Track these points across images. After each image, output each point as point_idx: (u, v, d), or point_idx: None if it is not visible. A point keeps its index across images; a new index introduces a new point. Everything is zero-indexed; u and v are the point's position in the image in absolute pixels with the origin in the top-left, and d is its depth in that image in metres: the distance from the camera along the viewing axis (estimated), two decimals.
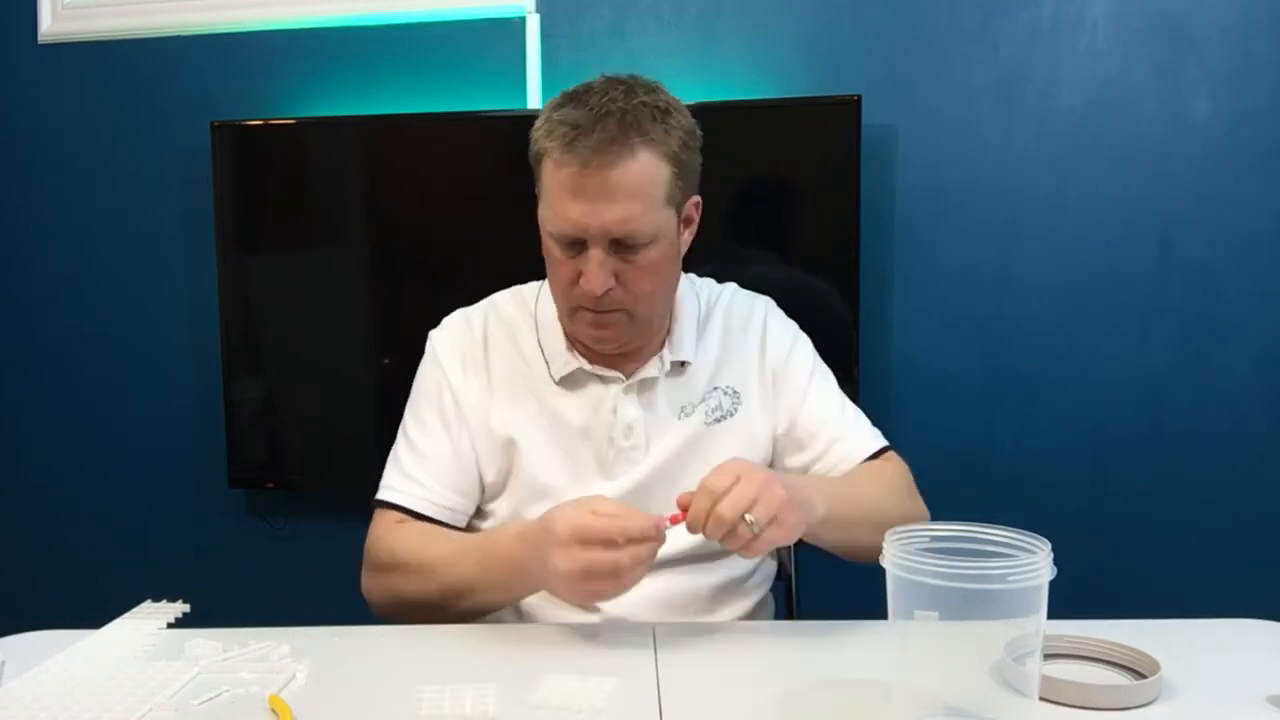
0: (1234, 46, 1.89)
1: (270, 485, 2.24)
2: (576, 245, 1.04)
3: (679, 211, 1.08)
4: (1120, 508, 1.99)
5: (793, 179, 2.00)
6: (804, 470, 1.17)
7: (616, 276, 1.04)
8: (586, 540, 0.91)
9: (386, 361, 2.12)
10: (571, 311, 1.09)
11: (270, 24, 2.18)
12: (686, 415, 1.15)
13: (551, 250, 1.07)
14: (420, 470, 1.14)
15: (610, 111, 1.00)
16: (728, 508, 0.91)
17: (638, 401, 1.14)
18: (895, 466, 1.17)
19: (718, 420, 1.15)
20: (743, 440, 1.16)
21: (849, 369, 1.93)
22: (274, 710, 0.82)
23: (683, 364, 1.16)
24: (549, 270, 1.10)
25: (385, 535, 1.12)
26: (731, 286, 1.25)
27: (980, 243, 2.00)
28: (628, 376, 1.14)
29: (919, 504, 1.15)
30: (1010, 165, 1.98)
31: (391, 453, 1.18)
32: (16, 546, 2.38)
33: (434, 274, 2.10)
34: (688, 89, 2.10)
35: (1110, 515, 1.99)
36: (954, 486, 2.03)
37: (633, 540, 0.91)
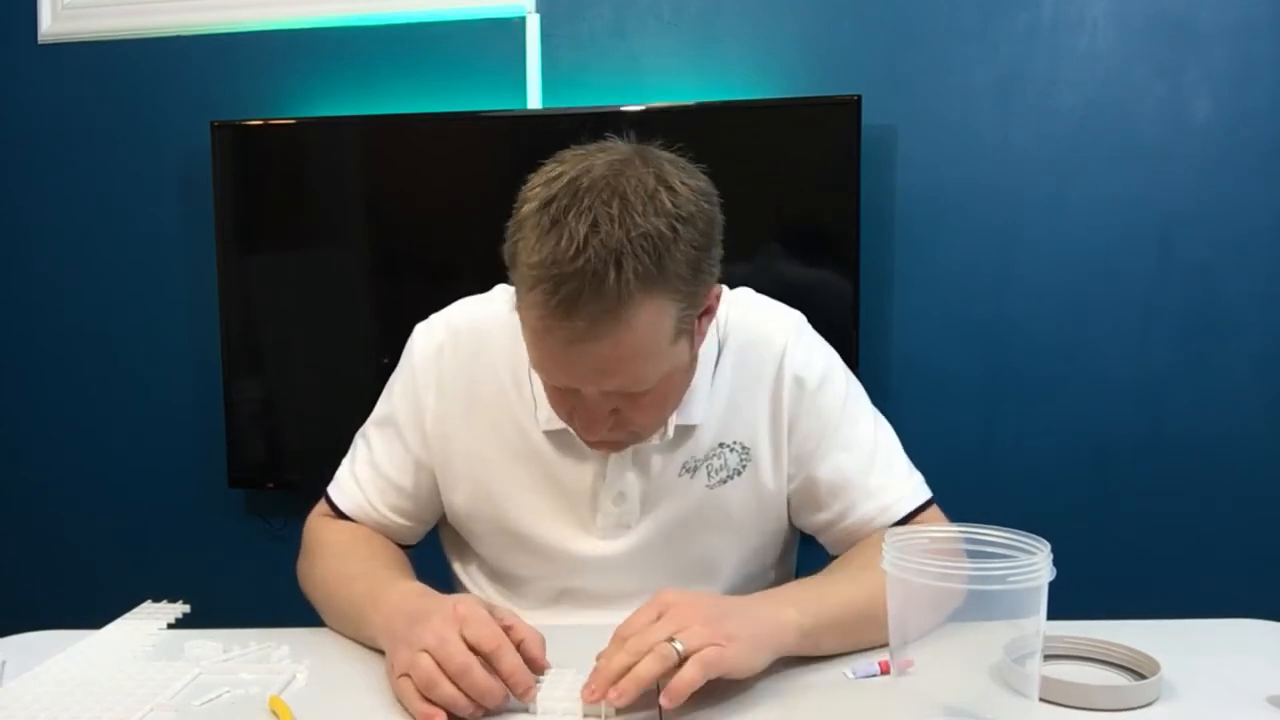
0: (1234, 46, 1.89)
1: (270, 485, 2.24)
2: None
3: (693, 331, 0.90)
4: (1120, 508, 1.99)
5: (792, 179, 1.99)
6: (825, 529, 1.04)
7: (617, 411, 0.90)
8: (446, 668, 0.78)
9: (386, 361, 2.11)
10: (566, 422, 0.95)
11: (270, 24, 2.18)
12: (688, 473, 1.02)
13: (534, 366, 0.90)
14: (369, 478, 1.08)
15: (597, 266, 0.79)
16: (638, 640, 0.78)
17: (632, 465, 1.02)
18: None
19: (723, 482, 1.02)
20: (752, 500, 1.04)
21: (849, 369, 1.92)
22: (274, 711, 0.82)
23: (690, 427, 1.01)
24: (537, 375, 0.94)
25: (316, 519, 1.11)
26: (745, 300, 1.08)
27: (980, 243, 2.00)
28: None
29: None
30: (1010, 165, 1.98)
31: (358, 434, 1.12)
32: (16, 546, 2.38)
33: (434, 274, 2.10)
34: (688, 89, 2.11)
35: (1110, 515, 1.99)
36: (954, 486, 2.03)
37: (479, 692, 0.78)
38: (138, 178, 2.26)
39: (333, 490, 1.12)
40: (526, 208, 0.85)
